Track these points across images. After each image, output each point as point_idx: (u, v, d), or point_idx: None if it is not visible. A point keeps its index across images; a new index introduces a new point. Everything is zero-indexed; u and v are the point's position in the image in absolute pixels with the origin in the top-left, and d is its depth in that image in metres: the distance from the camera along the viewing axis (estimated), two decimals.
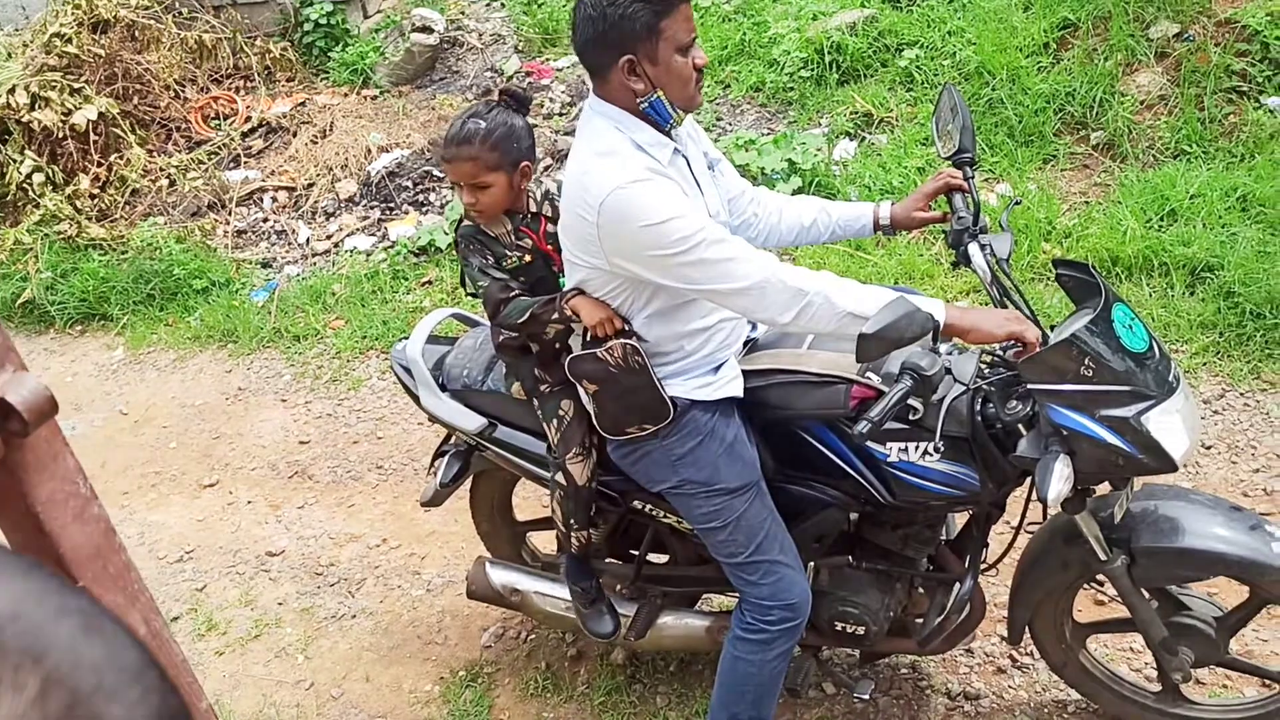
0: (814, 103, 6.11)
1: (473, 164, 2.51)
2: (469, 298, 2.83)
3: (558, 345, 2.63)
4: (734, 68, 6.55)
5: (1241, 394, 3.98)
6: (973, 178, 2.61)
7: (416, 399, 3.03)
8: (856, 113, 5.94)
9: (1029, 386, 2.25)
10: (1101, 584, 2.74)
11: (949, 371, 2.45)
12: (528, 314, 2.57)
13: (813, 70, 6.21)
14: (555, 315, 2.51)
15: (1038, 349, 2.19)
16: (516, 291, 2.60)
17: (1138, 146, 5.28)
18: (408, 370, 3.02)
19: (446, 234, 5.89)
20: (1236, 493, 3.60)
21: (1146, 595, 2.57)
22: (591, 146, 2.28)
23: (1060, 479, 2.18)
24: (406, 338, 3.05)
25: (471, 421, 2.93)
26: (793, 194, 5.34)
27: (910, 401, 2.35)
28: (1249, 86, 5.29)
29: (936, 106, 2.69)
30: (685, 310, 2.40)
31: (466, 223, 2.69)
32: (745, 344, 2.65)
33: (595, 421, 2.56)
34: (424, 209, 6.40)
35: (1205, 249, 4.47)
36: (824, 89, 6.15)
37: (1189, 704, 2.79)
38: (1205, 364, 4.12)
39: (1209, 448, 3.80)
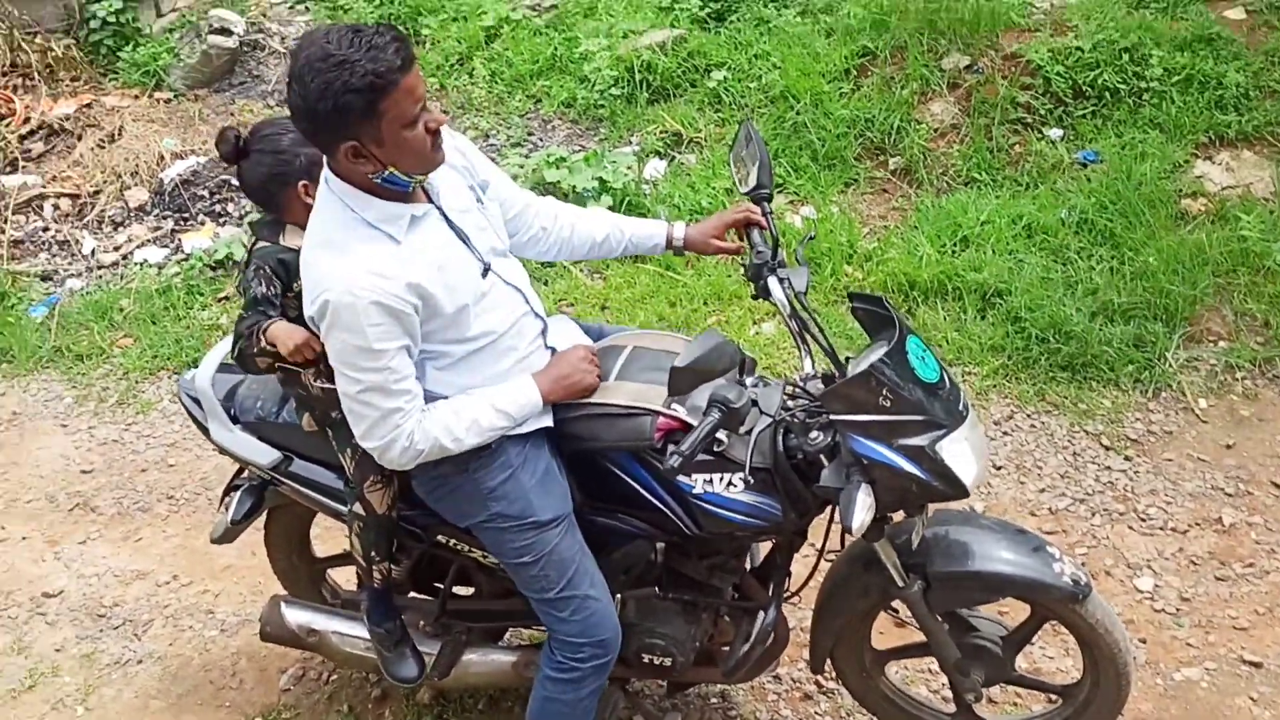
0: (625, 121, 6.13)
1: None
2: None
3: None
4: (545, 83, 6.51)
5: (1028, 415, 4.18)
6: (770, 213, 2.66)
7: (206, 431, 2.88)
8: (666, 132, 5.99)
9: (830, 418, 2.31)
10: (897, 610, 2.82)
11: (755, 403, 2.48)
12: (237, 349, 2.54)
13: (624, 88, 6.22)
14: (256, 349, 2.48)
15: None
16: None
17: (933, 173, 5.49)
18: (196, 401, 2.87)
19: (245, 246, 5.63)
20: (1025, 512, 3.78)
21: (940, 620, 2.66)
22: (319, 232, 2.24)
23: (864, 508, 2.24)
24: (195, 366, 2.89)
25: (265, 456, 2.80)
26: None
27: (717, 434, 2.36)
28: (1033, 118, 5.59)
29: (734, 141, 2.73)
30: (469, 363, 2.38)
31: (265, 243, 2.57)
32: None
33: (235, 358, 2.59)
34: (221, 220, 6.10)
35: (995, 275, 4.69)
36: (634, 107, 6.18)
37: None
38: (995, 386, 4.32)
39: (999, 468, 3.97)
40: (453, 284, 2.26)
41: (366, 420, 2.26)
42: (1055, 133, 5.53)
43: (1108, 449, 4.00)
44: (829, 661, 2.87)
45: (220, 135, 2.55)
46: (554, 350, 2.56)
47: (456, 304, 2.27)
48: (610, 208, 5.36)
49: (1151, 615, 3.39)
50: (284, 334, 2.42)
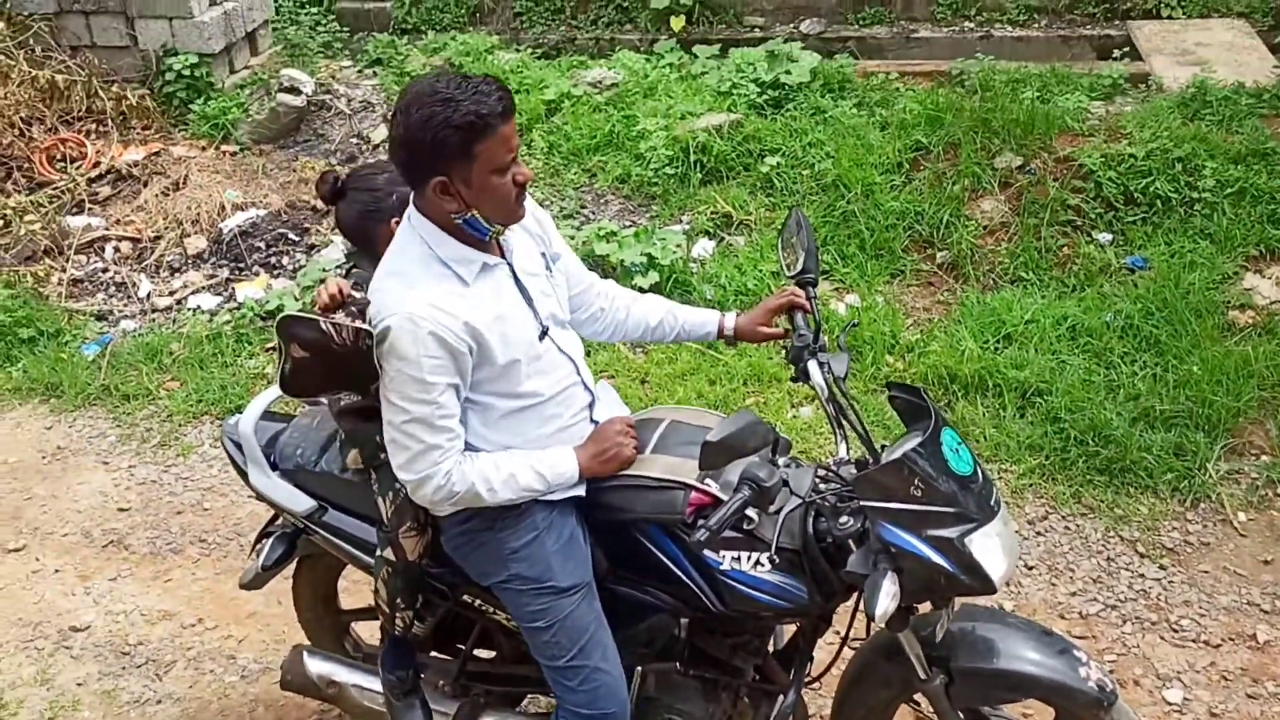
0: (677, 199, 6.22)
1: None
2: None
3: None
4: (601, 158, 6.63)
5: (1063, 517, 4.14)
6: (814, 297, 2.70)
7: (245, 476, 2.92)
8: (717, 213, 6.06)
9: (861, 503, 2.31)
10: (919, 703, 2.78)
11: (786, 484, 2.50)
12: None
13: (677, 168, 6.32)
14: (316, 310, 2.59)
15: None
16: None
17: (979, 269, 5.51)
18: (238, 446, 2.91)
19: (296, 299, 5.75)
20: (1054, 614, 3.73)
21: (962, 716, 2.62)
22: (392, 262, 2.33)
23: (888, 596, 2.23)
24: (240, 411, 2.95)
25: (301, 503, 2.84)
26: (650, 288, 5.40)
27: (747, 511, 2.38)
28: (1082, 221, 5.61)
29: (784, 227, 2.79)
30: (512, 420, 2.43)
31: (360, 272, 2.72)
32: None
33: (280, 380, 2.57)
34: (275, 272, 6.23)
35: (1036, 373, 4.67)
36: (687, 187, 6.27)
37: None
38: (1031, 485, 4.28)
39: (1031, 568, 3.92)
40: (509, 337, 2.33)
41: (408, 452, 2.31)
42: (1104, 237, 5.54)
43: (1142, 556, 3.95)
44: None
45: (320, 177, 2.71)
46: (598, 424, 2.60)
47: (509, 357, 2.33)
48: (657, 284, 5.42)
49: None
50: (327, 287, 2.57)
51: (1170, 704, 3.41)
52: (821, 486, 2.49)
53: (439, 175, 2.20)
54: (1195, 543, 4.00)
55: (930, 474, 2.25)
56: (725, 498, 2.38)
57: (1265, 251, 5.32)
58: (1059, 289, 5.32)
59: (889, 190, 5.89)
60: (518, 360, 2.35)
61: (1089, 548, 4.00)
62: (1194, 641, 3.62)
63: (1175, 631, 3.66)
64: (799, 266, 2.67)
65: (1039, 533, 4.08)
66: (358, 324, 2.45)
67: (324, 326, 2.48)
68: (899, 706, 2.76)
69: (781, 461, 2.59)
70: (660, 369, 5.07)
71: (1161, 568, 3.90)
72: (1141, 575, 3.87)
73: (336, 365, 2.50)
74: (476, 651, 3.00)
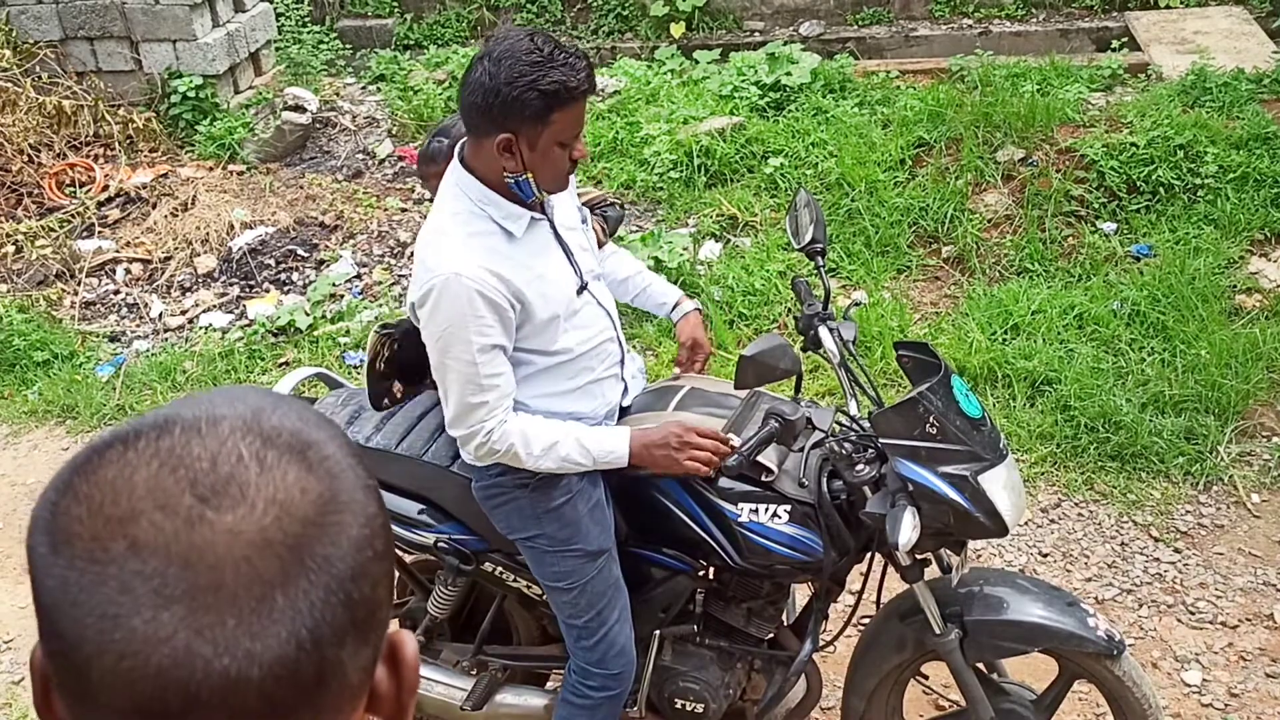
0: (682, 203, 6.25)
1: (438, 180, 2.56)
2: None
3: None
4: (606, 164, 6.67)
5: (1076, 504, 4.15)
6: (823, 265, 2.79)
7: None
8: (723, 215, 6.10)
9: (880, 440, 2.42)
10: (927, 679, 2.81)
11: (810, 421, 2.56)
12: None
13: (682, 171, 6.36)
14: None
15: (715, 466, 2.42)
16: None
17: (985, 262, 5.53)
18: None
19: (307, 315, 5.79)
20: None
21: (974, 675, 2.66)
22: (439, 221, 2.35)
23: (910, 526, 2.31)
24: None
25: None
26: None
27: (766, 462, 2.49)
28: (1086, 211, 5.62)
29: (791, 205, 2.87)
30: (547, 375, 2.46)
31: None
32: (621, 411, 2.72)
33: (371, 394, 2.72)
34: (285, 288, 6.28)
35: (1045, 363, 4.69)
36: (692, 190, 6.30)
37: None
38: (1043, 473, 4.29)
39: (1045, 555, 3.94)
40: (550, 294, 2.36)
41: (454, 408, 2.34)
42: (1109, 226, 5.55)
43: (1156, 540, 3.96)
44: None
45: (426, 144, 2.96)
46: (626, 384, 2.67)
47: (549, 313, 2.36)
48: None
49: (1199, 710, 3.33)
50: None
51: (1189, 685, 3.41)
52: (839, 431, 2.59)
53: (507, 132, 2.21)
54: (1209, 525, 4.01)
55: (943, 412, 2.36)
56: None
57: (1270, 235, 5.33)
58: (1065, 279, 5.33)
59: (892, 187, 5.92)
60: (557, 316, 2.38)
61: (1103, 533, 4.01)
62: (1211, 623, 3.63)
63: (1192, 614, 3.67)
64: (808, 237, 2.75)
65: (1052, 520, 4.09)
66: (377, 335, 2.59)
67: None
68: (911, 675, 2.81)
69: (804, 401, 2.69)
70: (669, 370, 5.08)
71: (1176, 551, 3.91)
72: (1156, 559, 3.89)
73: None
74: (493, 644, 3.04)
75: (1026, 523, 4.07)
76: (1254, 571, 3.81)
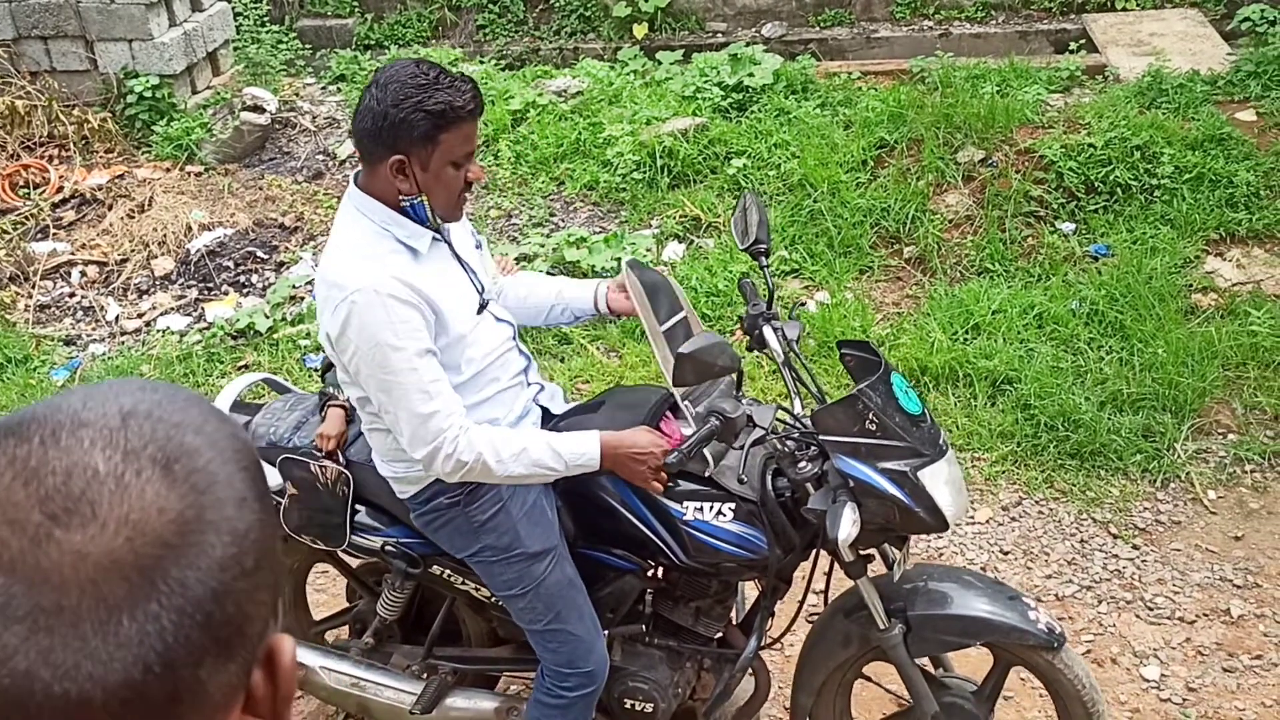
0: (645, 204, 6.25)
1: None
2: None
3: None
4: (569, 165, 6.65)
5: (1036, 502, 4.18)
6: (767, 266, 2.82)
7: None
8: (686, 216, 6.10)
9: (820, 438, 2.44)
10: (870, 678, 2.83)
11: (750, 419, 2.58)
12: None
13: (645, 173, 6.35)
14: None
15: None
16: None
17: (946, 262, 5.57)
18: None
19: (267, 317, 5.74)
20: (1031, 598, 3.76)
21: (919, 670, 2.69)
22: (345, 243, 2.36)
23: (849, 522, 2.34)
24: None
25: (273, 480, 2.83)
26: None
27: (707, 452, 2.49)
28: (1045, 212, 5.67)
29: (736, 208, 2.89)
30: (464, 388, 2.45)
31: None
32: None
33: (280, 515, 2.72)
34: (245, 290, 6.22)
35: (1005, 362, 4.72)
36: (655, 192, 6.30)
37: None
38: (1004, 472, 4.32)
39: (1006, 553, 3.96)
40: (455, 311, 2.39)
41: (408, 427, 2.31)
42: (1067, 226, 5.61)
43: (1115, 537, 3.99)
44: None
45: None
46: (542, 388, 2.70)
47: (458, 329, 2.38)
48: None
49: (1158, 705, 3.36)
50: (330, 422, 2.76)
51: (1148, 681, 3.45)
52: (781, 429, 2.61)
53: (399, 154, 2.25)
54: (1166, 522, 4.05)
55: (883, 409, 2.38)
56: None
57: (1225, 235, 5.40)
58: (1025, 279, 5.38)
59: (854, 188, 5.94)
60: (463, 334, 2.40)
61: (1062, 531, 4.04)
62: (1169, 618, 3.67)
63: (1150, 610, 3.70)
64: (751, 237, 2.77)
65: (1013, 518, 4.12)
66: (340, 468, 2.67)
67: (313, 467, 2.69)
68: (859, 671, 2.83)
69: (745, 399, 2.69)
70: (635, 372, 5.08)
71: (1134, 547, 3.95)
72: (1115, 556, 3.92)
73: (317, 509, 2.72)
74: (443, 646, 3.03)
75: (988, 521, 4.10)
76: (1210, 567, 3.85)
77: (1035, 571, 3.88)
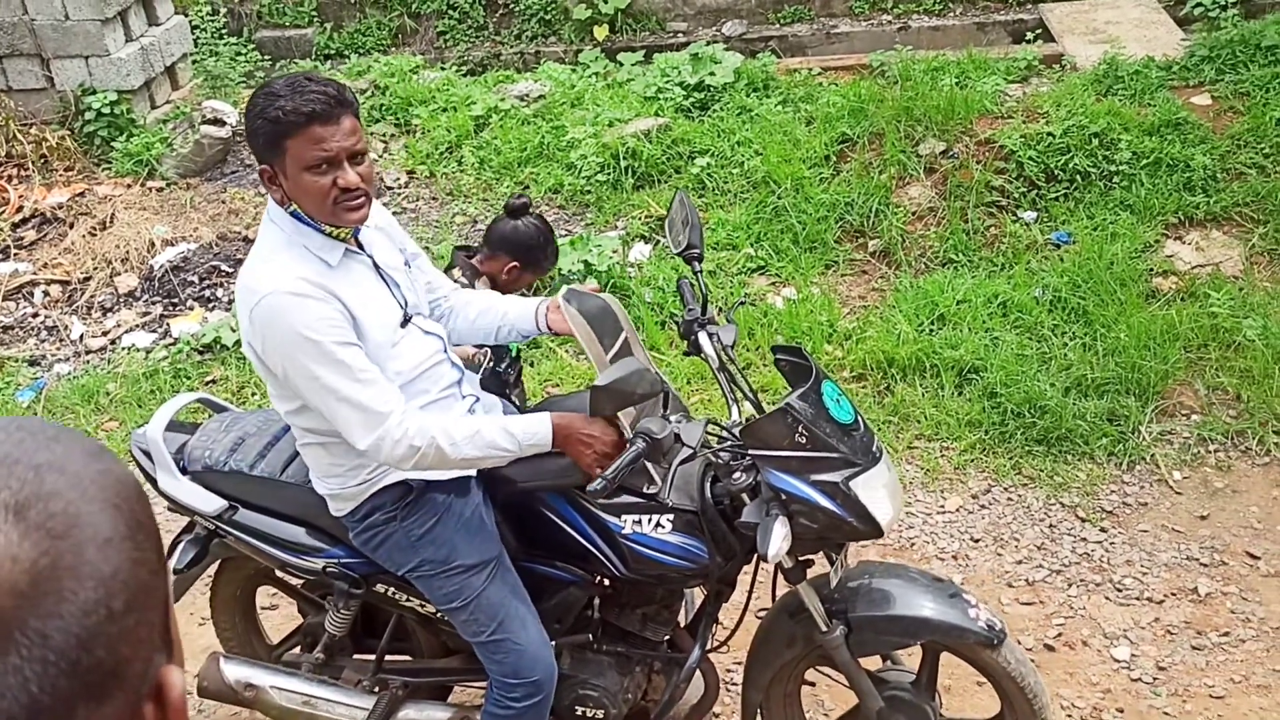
0: (610, 206, 6.25)
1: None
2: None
3: None
4: (533, 170, 6.65)
5: (1005, 489, 4.21)
6: (700, 272, 2.81)
7: (154, 482, 2.88)
8: (651, 216, 6.10)
9: (750, 452, 2.43)
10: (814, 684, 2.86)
11: (678, 437, 2.55)
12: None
13: (609, 174, 6.36)
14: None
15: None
16: None
17: (910, 254, 5.60)
18: (147, 454, 2.88)
19: (233, 331, 5.70)
20: (1002, 583, 3.80)
21: (863, 670, 2.71)
22: (259, 251, 2.37)
23: (779, 537, 2.34)
24: (147, 423, 2.93)
25: (211, 503, 2.80)
26: None
27: (649, 470, 2.51)
28: (1007, 201, 5.72)
29: (669, 209, 2.89)
30: None
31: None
32: None
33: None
34: (210, 305, 6.18)
35: (971, 352, 4.76)
36: (620, 193, 6.31)
37: None
38: (972, 460, 4.36)
39: (977, 540, 3.99)
40: (374, 321, 2.36)
41: (351, 422, 2.28)
42: (1029, 215, 5.65)
43: (1083, 521, 4.03)
44: None
45: (515, 196, 3.43)
46: (478, 399, 2.68)
47: (375, 340, 2.35)
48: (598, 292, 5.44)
49: (1129, 684, 3.39)
50: None
51: (1119, 661, 3.48)
52: (714, 443, 2.59)
53: (264, 163, 2.28)
54: (1133, 504, 4.10)
55: (812, 421, 2.37)
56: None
57: (1184, 219, 5.46)
58: (988, 268, 5.42)
59: (818, 183, 5.97)
60: (383, 344, 2.38)
61: (1031, 516, 4.08)
62: (1138, 599, 3.70)
63: (1119, 591, 3.74)
64: (685, 242, 2.77)
65: (983, 506, 4.15)
66: None
67: None
68: (805, 670, 2.86)
69: (674, 418, 2.64)
70: None
71: (1102, 530, 3.99)
72: (1084, 539, 3.96)
73: None
74: (394, 655, 3.03)
75: (958, 509, 4.13)
76: (1177, 547, 3.90)
77: (1006, 557, 3.91)
